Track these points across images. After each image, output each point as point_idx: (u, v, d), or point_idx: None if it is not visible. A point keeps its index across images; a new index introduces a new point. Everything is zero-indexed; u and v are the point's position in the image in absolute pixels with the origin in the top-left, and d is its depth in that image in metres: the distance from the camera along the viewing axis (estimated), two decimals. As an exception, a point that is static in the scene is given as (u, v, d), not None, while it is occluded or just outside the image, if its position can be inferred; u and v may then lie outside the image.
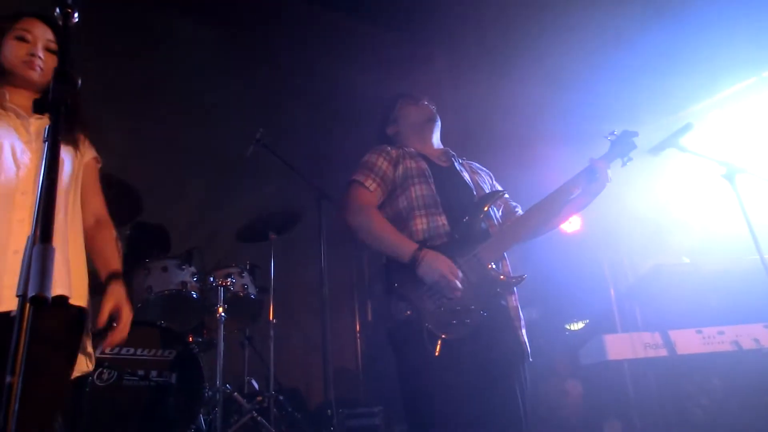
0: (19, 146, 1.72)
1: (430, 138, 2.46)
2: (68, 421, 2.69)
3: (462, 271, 1.98)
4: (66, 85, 1.27)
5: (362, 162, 2.31)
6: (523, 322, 2.12)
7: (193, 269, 3.63)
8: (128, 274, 3.72)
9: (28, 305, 1.13)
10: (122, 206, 3.71)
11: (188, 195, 5.05)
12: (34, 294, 0.90)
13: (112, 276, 1.84)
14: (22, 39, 1.78)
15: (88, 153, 1.97)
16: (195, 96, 5.09)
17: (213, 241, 4.82)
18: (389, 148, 2.34)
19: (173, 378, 3.07)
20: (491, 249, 2.08)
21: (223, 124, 5.21)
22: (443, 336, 1.88)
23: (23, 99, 1.79)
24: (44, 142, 1.24)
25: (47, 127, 1.24)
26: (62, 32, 1.34)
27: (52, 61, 1.80)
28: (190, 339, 3.45)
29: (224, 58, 5.15)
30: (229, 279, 3.65)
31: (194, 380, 3.16)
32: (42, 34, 1.80)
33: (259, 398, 3.64)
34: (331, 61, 5.30)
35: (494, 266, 2.09)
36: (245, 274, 3.88)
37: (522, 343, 2.08)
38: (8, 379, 1.09)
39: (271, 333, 3.88)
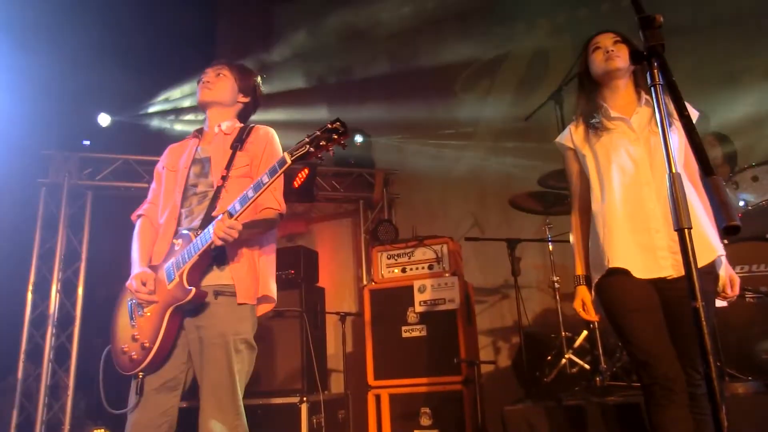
0: (631, 148, 2.04)
1: None
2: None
3: None
4: (653, 28, 1.32)
5: None
6: None
7: (788, 172, 3.22)
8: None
9: (687, 234, 1.22)
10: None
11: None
12: (725, 225, 0.93)
13: None
14: (597, 48, 2.16)
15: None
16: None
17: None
18: None
19: (804, 291, 2.80)
20: None
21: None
22: None
23: (620, 99, 2.13)
24: (651, 86, 1.31)
25: (650, 72, 1.30)
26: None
27: (621, 51, 2.10)
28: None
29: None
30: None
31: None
32: (606, 38, 2.16)
33: None
34: None
35: None
36: None
37: None
38: (693, 304, 1.20)
39: None
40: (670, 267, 1.93)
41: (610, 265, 1.98)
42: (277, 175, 1.94)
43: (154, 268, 2.14)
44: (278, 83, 6.28)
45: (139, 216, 2.37)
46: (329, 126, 1.88)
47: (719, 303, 2.01)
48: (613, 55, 2.08)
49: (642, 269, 1.95)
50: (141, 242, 2.27)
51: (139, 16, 5.09)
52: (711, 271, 1.95)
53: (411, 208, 5.44)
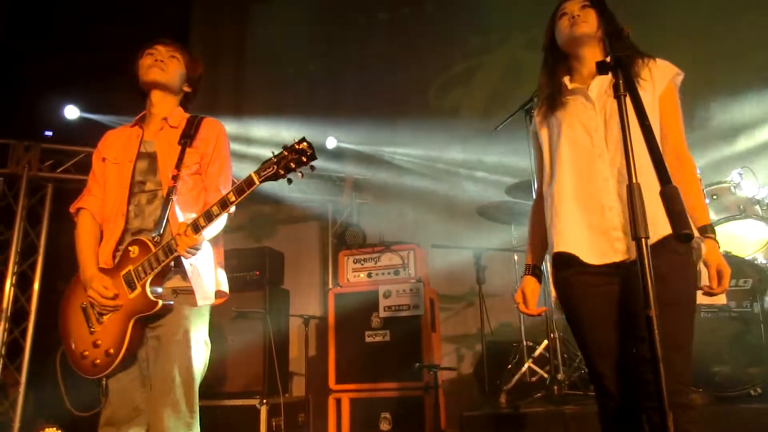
0: (585, 118, 1.83)
1: None
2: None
3: None
4: (621, 40, 1.36)
5: None
6: None
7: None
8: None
9: (644, 244, 1.25)
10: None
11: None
12: (678, 233, 0.96)
13: (703, 229, 1.72)
14: (563, 15, 1.92)
15: (661, 83, 1.83)
16: None
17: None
18: None
19: (755, 307, 2.91)
20: None
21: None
22: None
23: (585, 69, 1.90)
24: (615, 97, 1.35)
25: (614, 84, 1.34)
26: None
27: (588, 16, 1.87)
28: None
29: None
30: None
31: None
32: (572, 4, 1.91)
33: None
34: None
35: None
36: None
37: None
38: (647, 312, 1.23)
39: None
40: (625, 251, 1.70)
41: (555, 250, 1.81)
42: (245, 195, 1.90)
43: (108, 272, 2.03)
44: (251, 85, 6.25)
45: (80, 209, 2.19)
46: (296, 146, 1.82)
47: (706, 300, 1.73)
48: (579, 20, 1.87)
49: (593, 254, 1.75)
50: (86, 240, 2.13)
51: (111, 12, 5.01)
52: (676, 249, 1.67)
53: (379, 213, 5.44)
